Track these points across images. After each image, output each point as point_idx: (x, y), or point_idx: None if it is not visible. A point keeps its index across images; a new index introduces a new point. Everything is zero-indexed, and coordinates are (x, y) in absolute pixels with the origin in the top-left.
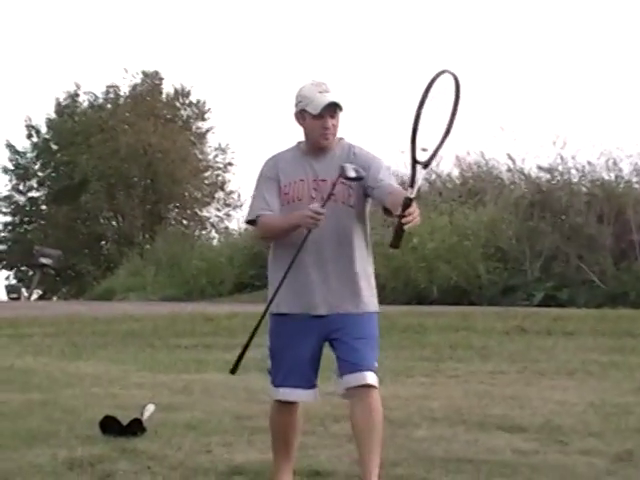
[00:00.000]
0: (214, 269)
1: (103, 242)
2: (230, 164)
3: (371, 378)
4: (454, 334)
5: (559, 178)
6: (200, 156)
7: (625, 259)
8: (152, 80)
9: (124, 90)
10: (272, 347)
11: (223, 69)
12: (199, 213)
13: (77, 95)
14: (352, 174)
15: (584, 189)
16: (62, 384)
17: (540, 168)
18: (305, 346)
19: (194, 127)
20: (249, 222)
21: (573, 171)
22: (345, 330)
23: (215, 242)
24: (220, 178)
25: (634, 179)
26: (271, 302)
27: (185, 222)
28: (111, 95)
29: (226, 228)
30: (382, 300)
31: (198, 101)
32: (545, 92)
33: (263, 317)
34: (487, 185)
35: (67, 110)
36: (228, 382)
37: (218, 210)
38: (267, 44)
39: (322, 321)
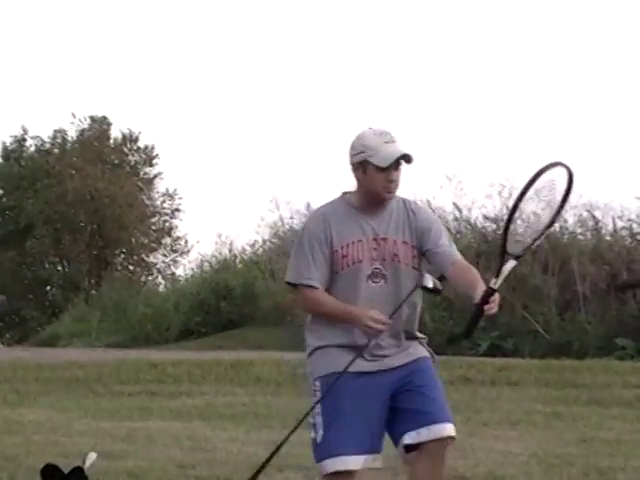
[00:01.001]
0: (160, 315)
1: (48, 287)
2: (178, 210)
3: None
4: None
5: None
6: (147, 202)
7: (569, 310)
8: (100, 125)
9: (71, 135)
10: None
11: (171, 114)
12: (146, 259)
13: (24, 139)
14: (430, 284)
15: (529, 239)
16: (3, 431)
17: (486, 218)
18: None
19: (142, 173)
20: (288, 283)
21: (518, 221)
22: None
23: (161, 288)
24: (167, 224)
25: (578, 230)
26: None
27: (131, 268)
28: (58, 140)
29: (172, 274)
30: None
31: (146, 147)
32: (492, 143)
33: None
34: None
35: (14, 154)
36: (172, 430)
37: (165, 256)
38: (214, 89)
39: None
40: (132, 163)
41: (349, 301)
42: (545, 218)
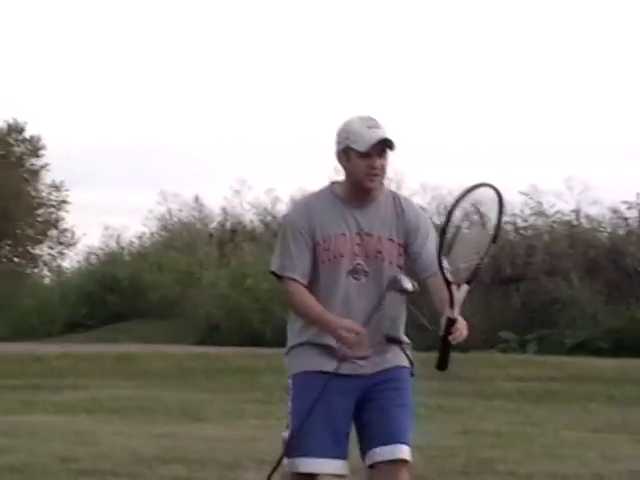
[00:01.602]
0: (45, 308)
1: None
2: (65, 202)
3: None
4: (286, 376)
5: None
6: (33, 193)
7: None
8: None
9: None
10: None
11: (59, 104)
12: (31, 251)
13: None
14: (409, 286)
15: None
16: None
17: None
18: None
19: (28, 164)
20: (273, 273)
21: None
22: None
23: (47, 280)
24: (54, 216)
25: (464, 225)
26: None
27: (17, 260)
28: None
29: (59, 266)
30: (215, 341)
31: (32, 137)
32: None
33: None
34: None
35: None
36: (55, 424)
37: (51, 248)
38: (105, 79)
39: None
40: (18, 154)
41: (329, 295)
42: (484, 237)
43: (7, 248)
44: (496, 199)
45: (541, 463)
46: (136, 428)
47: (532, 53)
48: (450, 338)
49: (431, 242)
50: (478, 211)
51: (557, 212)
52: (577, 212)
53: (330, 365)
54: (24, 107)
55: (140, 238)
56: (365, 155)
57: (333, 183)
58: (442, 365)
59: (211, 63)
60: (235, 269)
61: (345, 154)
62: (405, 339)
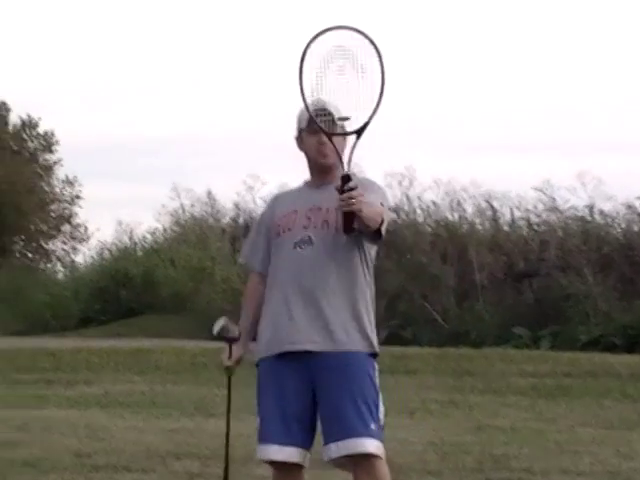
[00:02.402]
0: (59, 303)
1: None
2: (78, 197)
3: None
4: None
5: (405, 217)
6: (47, 188)
7: (467, 299)
8: None
9: None
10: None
11: (72, 99)
12: (45, 246)
13: None
14: (214, 330)
15: (429, 229)
16: None
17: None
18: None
19: (41, 159)
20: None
21: (418, 211)
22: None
23: (60, 276)
24: (67, 211)
25: (477, 220)
26: None
27: (30, 255)
28: None
29: (72, 262)
30: None
31: (46, 133)
32: (394, 130)
33: None
34: None
35: None
36: (69, 419)
37: (64, 243)
38: (117, 73)
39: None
40: (31, 149)
41: (276, 267)
42: (364, 87)
43: (21, 243)
44: (368, 45)
45: (555, 460)
46: (149, 423)
47: (546, 48)
48: (341, 197)
49: (369, 196)
50: (346, 56)
51: (570, 208)
52: (591, 208)
53: (276, 346)
54: (37, 103)
55: (153, 233)
56: (313, 132)
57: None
58: (344, 228)
59: (225, 57)
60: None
61: (299, 138)
62: (366, 322)
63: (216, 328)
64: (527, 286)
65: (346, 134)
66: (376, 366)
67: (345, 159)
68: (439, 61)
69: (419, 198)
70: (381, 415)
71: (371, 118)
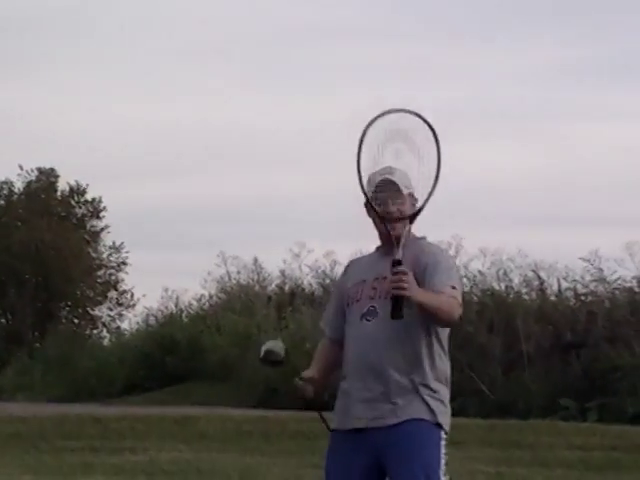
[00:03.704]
0: (104, 369)
1: None
2: (124, 263)
3: None
4: None
5: None
6: (94, 254)
7: (514, 369)
8: (47, 177)
9: (18, 186)
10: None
11: (120, 166)
12: (91, 312)
13: None
14: (261, 354)
15: (475, 298)
16: None
17: None
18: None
19: (88, 225)
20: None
21: (465, 280)
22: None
23: (106, 342)
24: (113, 277)
25: (523, 290)
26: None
27: (76, 321)
28: (5, 191)
29: (118, 328)
30: (274, 405)
31: (93, 199)
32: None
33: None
34: None
35: None
36: None
37: (110, 309)
38: (161, 142)
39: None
40: (79, 215)
41: (349, 337)
42: (420, 170)
43: (67, 309)
44: (425, 128)
45: None
46: None
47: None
48: (390, 279)
49: (441, 274)
50: (404, 139)
51: (618, 278)
52: (639, 279)
53: (345, 422)
54: (86, 170)
55: (199, 300)
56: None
57: None
58: (391, 313)
59: (267, 129)
60: (293, 332)
61: (367, 207)
62: (430, 385)
63: (262, 351)
64: (574, 357)
65: (399, 219)
66: (442, 437)
67: (402, 239)
68: (488, 130)
69: (465, 267)
70: None
71: (425, 204)
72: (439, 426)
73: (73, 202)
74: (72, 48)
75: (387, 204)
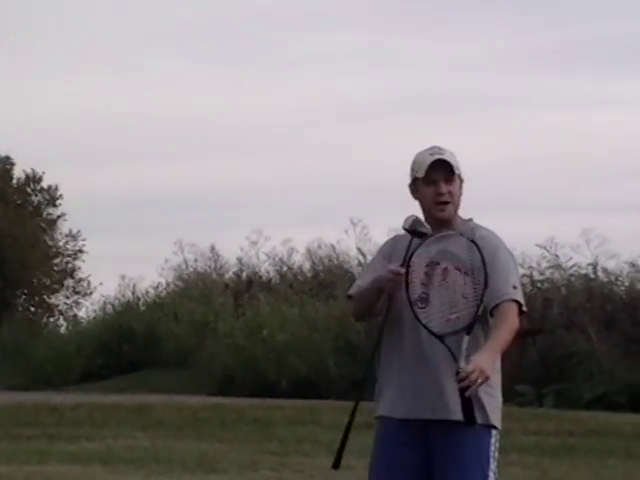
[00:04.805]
0: (61, 357)
1: None
2: (81, 251)
3: None
4: (301, 428)
5: None
6: (50, 242)
7: None
8: (3, 165)
9: None
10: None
11: (76, 153)
12: (47, 300)
13: None
14: (409, 223)
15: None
16: None
17: None
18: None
19: (45, 213)
20: (349, 297)
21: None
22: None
23: (63, 330)
24: (70, 265)
25: None
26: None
27: (33, 309)
28: None
29: (74, 316)
30: (230, 392)
31: (49, 187)
32: (397, 188)
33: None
34: (338, 279)
35: None
36: (71, 474)
37: (67, 297)
38: (121, 130)
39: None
40: (35, 203)
41: (396, 328)
42: (467, 284)
43: (23, 297)
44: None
45: None
46: (151, 479)
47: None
48: (459, 386)
49: (499, 273)
50: (453, 257)
51: (574, 265)
52: (594, 265)
53: (393, 410)
54: (41, 157)
55: (156, 288)
56: (430, 182)
57: None
58: (467, 420)
59: (223, 115)
60: (251, 319)
61: (414, 187)
62: (488, 389)
63: (407, 222)
64: (530, 343)
65: (455, 333)
66: (493, 438)
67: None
68: (443, 118)
69: None
70: None
71: (477, 313)
72: (491, 427)
73: (29, 190)
74: (24, 33)
75: (439, 186)
